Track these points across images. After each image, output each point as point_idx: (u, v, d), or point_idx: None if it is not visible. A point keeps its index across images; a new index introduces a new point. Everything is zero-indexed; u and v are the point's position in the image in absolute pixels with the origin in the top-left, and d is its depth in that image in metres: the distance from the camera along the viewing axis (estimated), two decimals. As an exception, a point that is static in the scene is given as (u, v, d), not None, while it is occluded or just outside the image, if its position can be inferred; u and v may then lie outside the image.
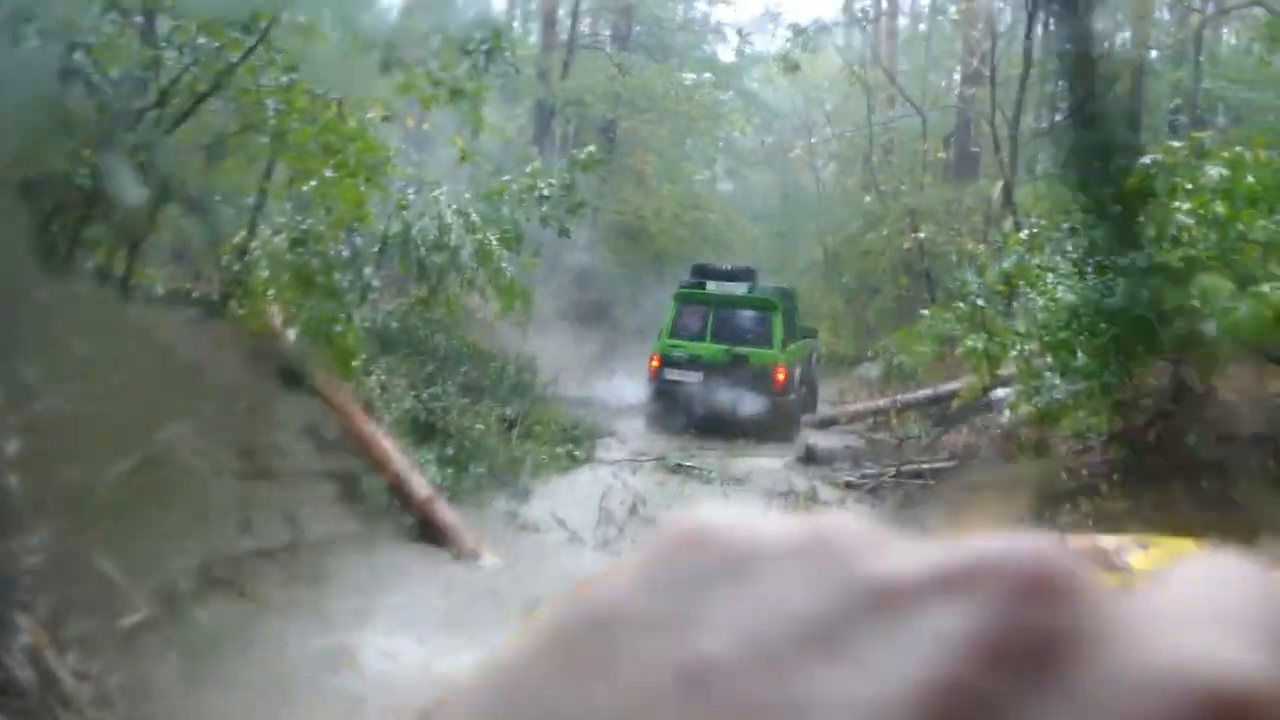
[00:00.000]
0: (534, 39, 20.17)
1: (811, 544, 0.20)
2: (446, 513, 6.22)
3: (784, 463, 9.49)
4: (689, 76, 19.46)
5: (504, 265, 9.32)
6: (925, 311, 10.84)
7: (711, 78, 19.97)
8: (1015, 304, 8.68)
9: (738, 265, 12.85)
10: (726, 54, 22.90)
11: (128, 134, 5.29)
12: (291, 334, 6.66)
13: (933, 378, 11.13)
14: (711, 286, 11.75)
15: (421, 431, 7.76)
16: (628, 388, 12.07)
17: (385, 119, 6.56)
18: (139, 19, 5.68)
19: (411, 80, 5.80)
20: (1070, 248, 7.66)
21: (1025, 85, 15.15)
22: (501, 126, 12.25)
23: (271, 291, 6.55)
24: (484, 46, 5.83)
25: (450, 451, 7.55)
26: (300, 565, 4.99)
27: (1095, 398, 6.96)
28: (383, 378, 8.32)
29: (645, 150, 19.58)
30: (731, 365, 10.86)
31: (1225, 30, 17.14)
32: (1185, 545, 2.29)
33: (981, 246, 12.17)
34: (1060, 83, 18.95)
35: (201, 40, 5.40)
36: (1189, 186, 6.72)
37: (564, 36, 19.27)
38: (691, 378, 10.93)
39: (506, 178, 10.48)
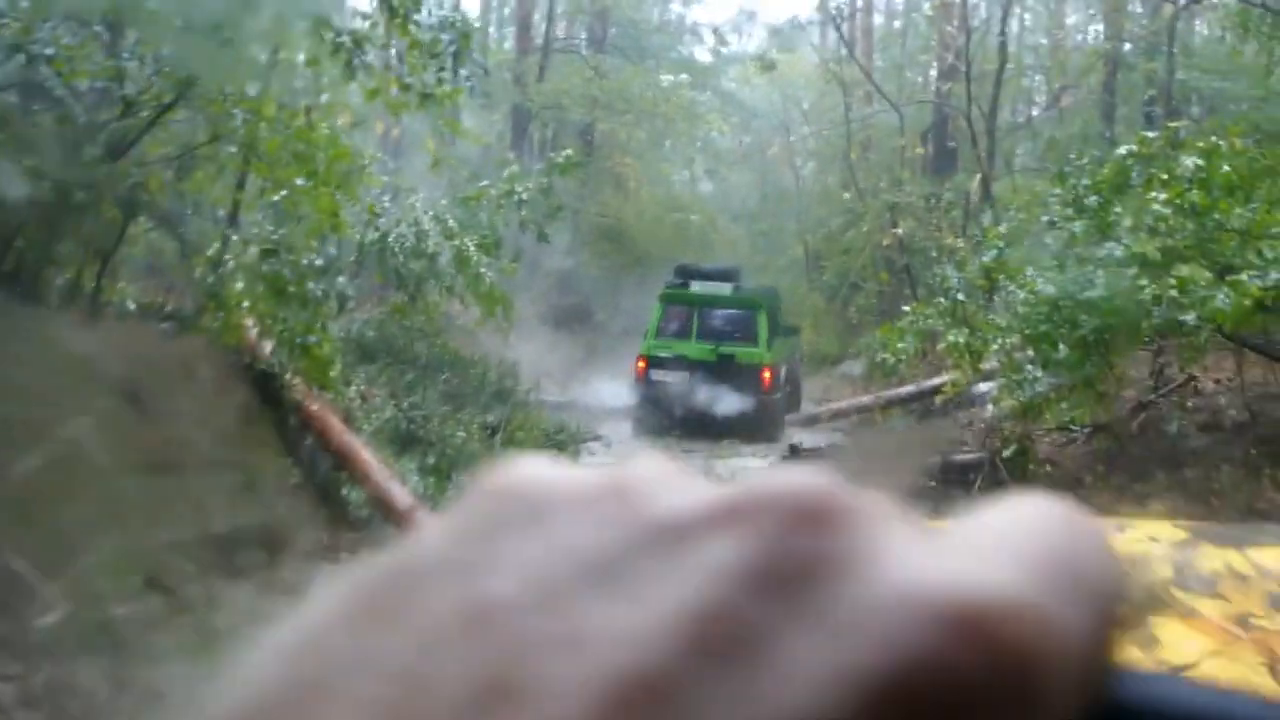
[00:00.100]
0: (509, 44, 20.12)
1: (606, 488, 0.21)
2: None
3: (769, 462, 9.46)
4: (666, 78, 19.45)
5: (483, 271, 9.25)
6: (907, 308, 10.84)
7: (688, 78, 19.97)
8: (996, 298, 8.68)
9: (721, 266, 12.90)
10: (703, 54, 22.94)
11: (91, 147, 5.20)
12: (267, 346, 6.58)
13: (916, 374, 11.12)
14: (696, 287, 11.77)
15: (403, 441, 7.69)
16: (612, 390, 12.03)
17: (354, 126, 6.48)
18: (99, 29, 5.59)
19: (379, 85, 5.73)
20: (1049, 240, 7.67)
21: (1001, 79, 15.22)
22: (479, 132, 12.19)
23: (246, 304, 6.46)
24: (451, 48, 5.76)
25: (432, 460, 7.49)
26: (276, 579, 4.91)
27: (1077, 390, 6.97)
28: (362, 387, 8.24)
29: (624, 152, 19.55)
30: (718, 365, 10.88)
31: (1198, 22, 17.25)
32: (1162, 527, 2.27)
33: (961, 241, 12.17)
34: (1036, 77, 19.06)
35: (166, 51, 5.32)
36: (1165, 177, 6.73)
37: (539, 41, 19.22)
38: (678, 378, 10.93)
39: (485, 183, 10.42)
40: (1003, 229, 8.76)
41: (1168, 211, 6.53)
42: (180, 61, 5.19)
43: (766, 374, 10.90)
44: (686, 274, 12.17)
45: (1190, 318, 6.00)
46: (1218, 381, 7.93)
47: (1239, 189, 6.54)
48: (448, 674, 0.17)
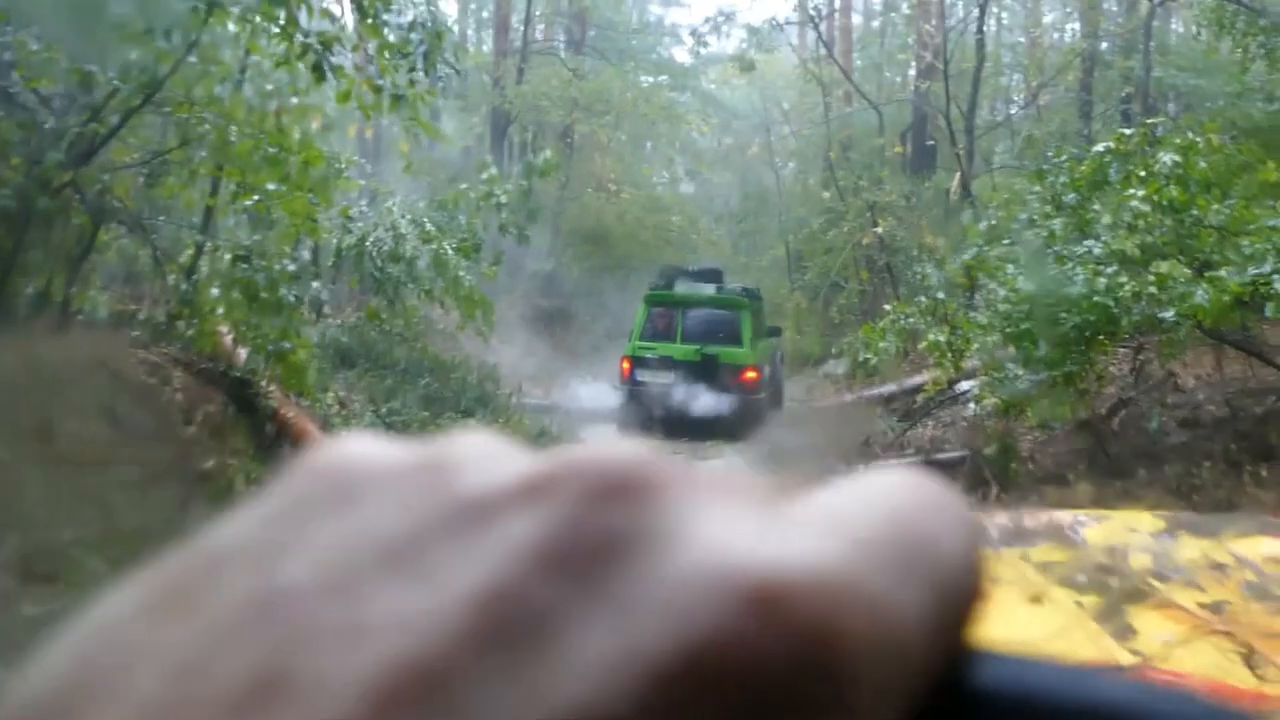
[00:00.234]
0: (487, 46, 20.03)
1: (419, 466, 0.20)
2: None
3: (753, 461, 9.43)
4: (645, 79, 19.42)
5: (462, 274, 9.17)
6: (888, 307, 10.84)
7: (668, 80, 19.95)
8: (976, 296, 8.68)
9: (705, 266, 12.98)
10: (682, 55, 22.91)
11: (55, 152, 5.11)
12: (243, 353, 6.50)
13: (897, 373, 11.13)
14: (680, 288, 11.82)
15: (382, 447, 7.60)
16: (595, 393, 12.01)
17: (325, 129, 6.40)
18: (64, 33, 5.49)
19: (350, 87, 5.65)
20: (1029, 238, 7.67)
21: (979, 78, 15.27)
22: (459, 135, 12.11)
23: (220, 310, 6.37)
24: (422, 49, 5.69)
25: (412, 467, 7.41)
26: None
27: (1058, 387, 6.96)
28: (341, 393, 8.16)
29: (604, 154, 19.49)
30: (702, 365, 10.92)
31: (1174, 19, 17.37)
32: (1141, 517, 2.25)
33: (941, 240, 12.19)
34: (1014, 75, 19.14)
35: (133, 55, 5.22)
36: (1143, 174, 6.74)
37: (518, 43, 19.15)
38: (663, 379, 10.98)
39: (463, 186, 10.35)
40: (982, 227, 8.75)
41: (1146, 208, 6.53)
42: (146, 65, 5.10)
43: (751, 373, 10.96)
44: (670, 275, 12.24)
45: (1169, 314, 6.00)
46: (1197, 378, 7.96)
47: (1216, 185, 6.56)
48: (228, 667, 0.16)
